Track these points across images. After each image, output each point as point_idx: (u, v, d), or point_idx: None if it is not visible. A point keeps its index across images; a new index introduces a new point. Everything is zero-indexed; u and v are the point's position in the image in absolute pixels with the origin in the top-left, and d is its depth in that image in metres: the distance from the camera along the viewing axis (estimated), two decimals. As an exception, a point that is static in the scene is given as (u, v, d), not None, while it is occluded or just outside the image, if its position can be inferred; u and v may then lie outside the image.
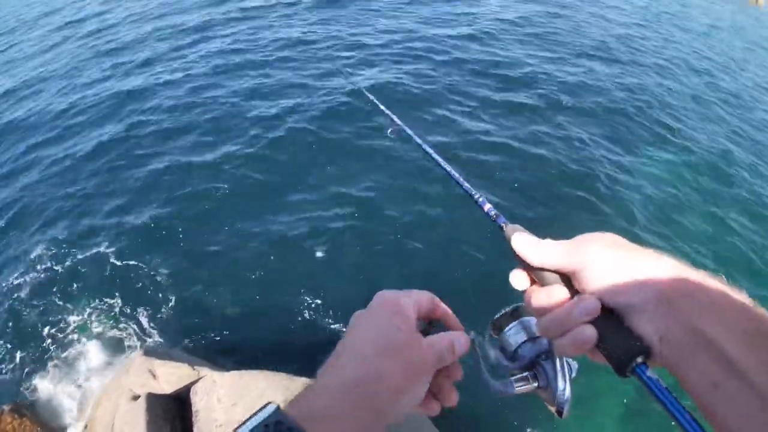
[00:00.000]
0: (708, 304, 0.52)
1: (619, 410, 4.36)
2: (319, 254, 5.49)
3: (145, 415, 3.76)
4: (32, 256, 5.77)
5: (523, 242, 0.66)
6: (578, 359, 0.67)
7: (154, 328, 4.91)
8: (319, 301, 5.06)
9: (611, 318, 0.58)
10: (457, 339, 0.68)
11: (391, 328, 0.64)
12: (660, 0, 16.59)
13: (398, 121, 1.21)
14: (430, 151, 0.97)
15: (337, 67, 8.90)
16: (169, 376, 4.18)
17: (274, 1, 12.97)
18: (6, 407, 4.44)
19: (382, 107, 1.35)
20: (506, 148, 7.28)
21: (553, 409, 0.69)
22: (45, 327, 5.07)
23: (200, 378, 4.11)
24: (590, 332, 0.58)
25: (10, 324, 5.16)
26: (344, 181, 6.41)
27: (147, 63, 10.19)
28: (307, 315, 4.94)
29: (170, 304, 5.09)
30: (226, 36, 11.05)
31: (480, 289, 4.83)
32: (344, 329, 4.65)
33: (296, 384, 3.79)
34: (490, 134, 7.61)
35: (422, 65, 9.53)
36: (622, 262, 0.58)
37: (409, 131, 1.15)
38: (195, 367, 4.24)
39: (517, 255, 0.67)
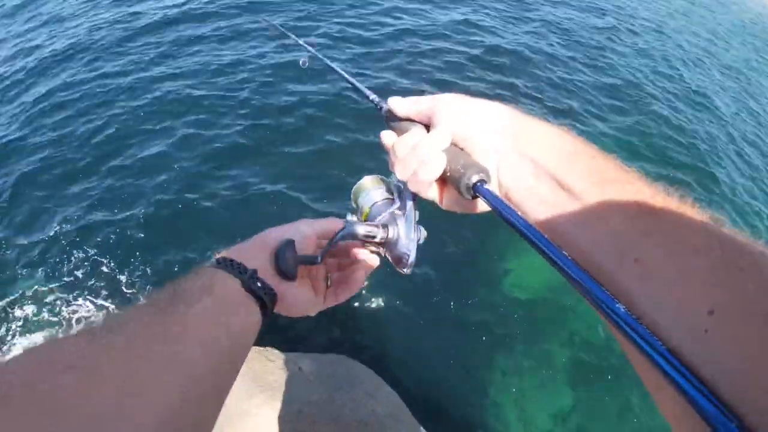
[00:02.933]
0: (535, 137, 0.65)
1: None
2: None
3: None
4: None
5: (394, 100, 0.78)
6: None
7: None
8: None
9: (459, 150, 0.68)
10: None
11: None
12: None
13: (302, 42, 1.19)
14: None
15: None
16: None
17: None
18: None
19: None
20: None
21: (399, 269, 0.77)
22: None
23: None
24: (441, 158, 0.67)
25: None
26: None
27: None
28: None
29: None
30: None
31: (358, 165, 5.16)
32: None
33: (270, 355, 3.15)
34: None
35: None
36: (469, 104, 0.71)
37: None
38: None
39: (389, 112, 0.79)
